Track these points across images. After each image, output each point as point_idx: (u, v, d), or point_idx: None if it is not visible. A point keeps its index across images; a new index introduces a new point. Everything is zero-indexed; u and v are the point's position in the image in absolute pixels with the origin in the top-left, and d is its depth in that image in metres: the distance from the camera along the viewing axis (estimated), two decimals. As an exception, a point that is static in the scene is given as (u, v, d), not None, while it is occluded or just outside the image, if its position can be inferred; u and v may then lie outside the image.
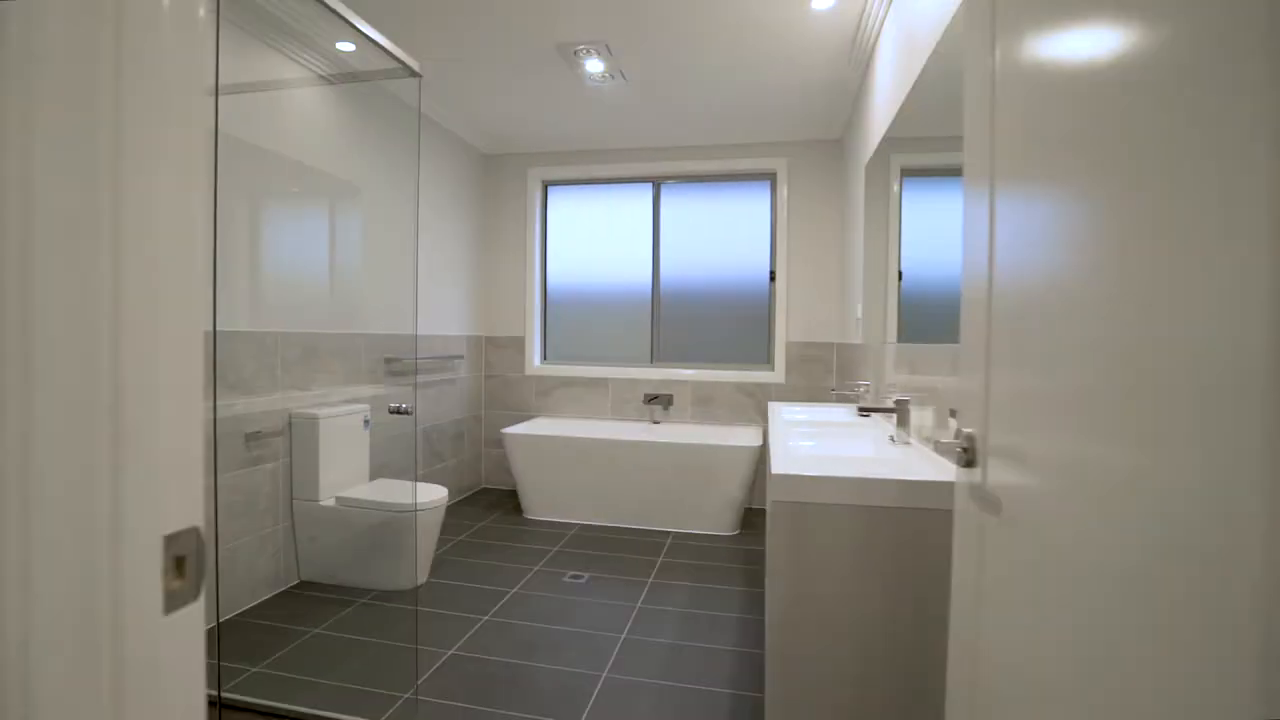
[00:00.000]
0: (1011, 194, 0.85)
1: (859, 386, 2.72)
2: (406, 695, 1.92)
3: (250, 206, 2.55)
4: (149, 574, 0.39)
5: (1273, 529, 0.40)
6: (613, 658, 2.17)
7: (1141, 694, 0.54)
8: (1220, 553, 0.45)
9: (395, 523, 2.64)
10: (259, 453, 2.55)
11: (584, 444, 3.73)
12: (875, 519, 1.32)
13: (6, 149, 0.38)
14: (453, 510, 3.93)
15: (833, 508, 1.34)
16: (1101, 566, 0.61)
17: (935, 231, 2.13)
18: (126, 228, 0.39)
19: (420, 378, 3.72)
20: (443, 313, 3.99)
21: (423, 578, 2.80)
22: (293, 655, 2.16)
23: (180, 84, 0.42)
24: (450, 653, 2.19)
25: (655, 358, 4.37)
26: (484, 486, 4.52)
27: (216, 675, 1.96)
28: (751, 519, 3.85)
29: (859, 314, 3.04)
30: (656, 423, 4.25)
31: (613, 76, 3.22)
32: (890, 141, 2.51)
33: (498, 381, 4.52)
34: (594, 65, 3.09)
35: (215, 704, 1.86)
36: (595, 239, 4.47)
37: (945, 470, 1.39)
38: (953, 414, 1.36)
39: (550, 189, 4.54)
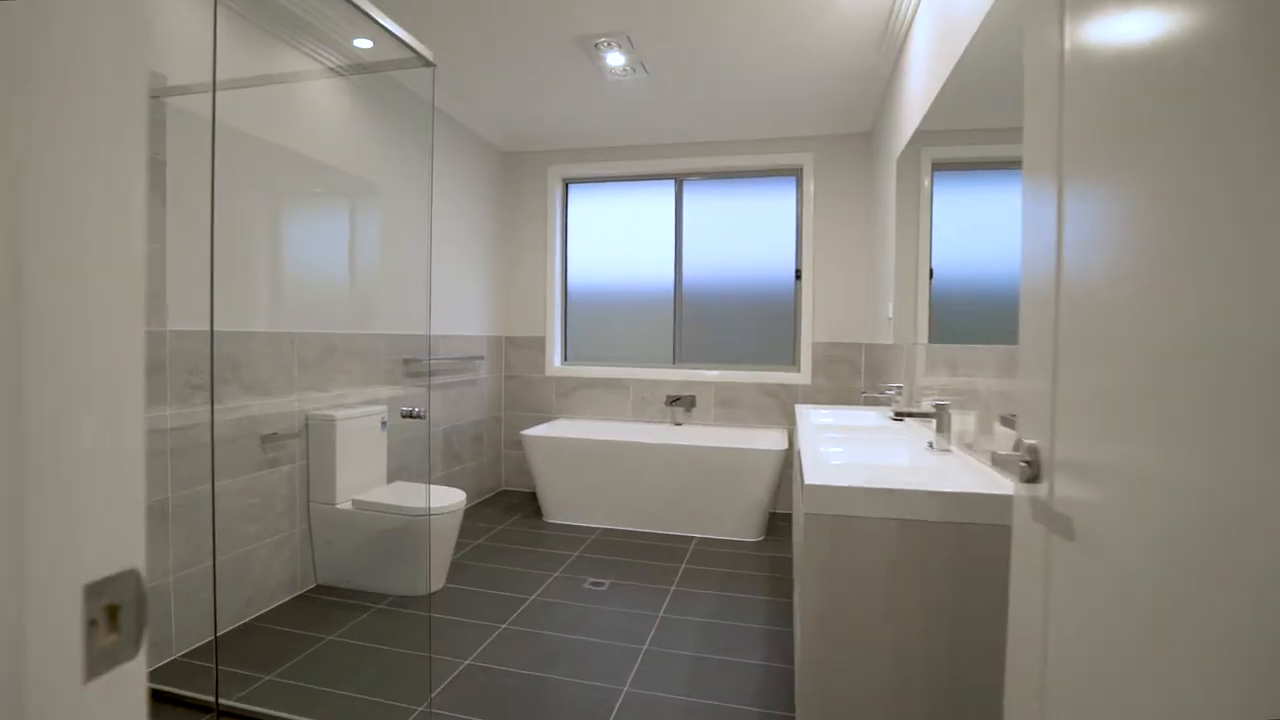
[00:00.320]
0: (1084, 187, 0.76)
1: (889, 389, 2.61)
2: (420, 708, 1.86)
3: (267, 205, 2.51)
4: (64, 634, 0.32)
5: None
6: (634, 671, 2.09)
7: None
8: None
9: (412, 527, 2.58)
10: (275, 455, 2.51)
11: (605, 446, 3.65)
12: (917, 534, 1.22)
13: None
14: (472, 513, 3.87)
15: (871, 521, 1.24)
16: (1206, 611, 0.51)
17: (968, 228, 2.02)
18: (37, 217, 0.31)
19: (440, 379, 3.68)
20: (463, 313, 3.94)
21: (440, 583, 2.74)
22: (306, 663, 2.11)
23: (111, 61, 0.35)
24: (466, 663, 2.12)
25: (677, 358, 4.28)
26: (504, 488, 4.47)
27: (215, 682, 1.92)
28: (776, 524, 3.74)
29: (890, 313, 2.92)
30: (679, 425, 4.16)
31: (634, 70, 3.13)
32: (922, 135, 2.40)
33: (518, 382, 4.46)
34: (615, 59, 3.01)
35: (214, 710, 1.81)
36: (616, 237, 4.39)
37: (993, 481, 1.29)
38: (1004, 421, 1.25)
39: (571, 187, 4.48)
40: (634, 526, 3.65)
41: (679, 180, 4.26)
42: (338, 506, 2.64)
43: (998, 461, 0.88)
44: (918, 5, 2.39)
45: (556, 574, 2.94)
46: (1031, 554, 0.86)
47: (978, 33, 1.69)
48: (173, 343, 2.09)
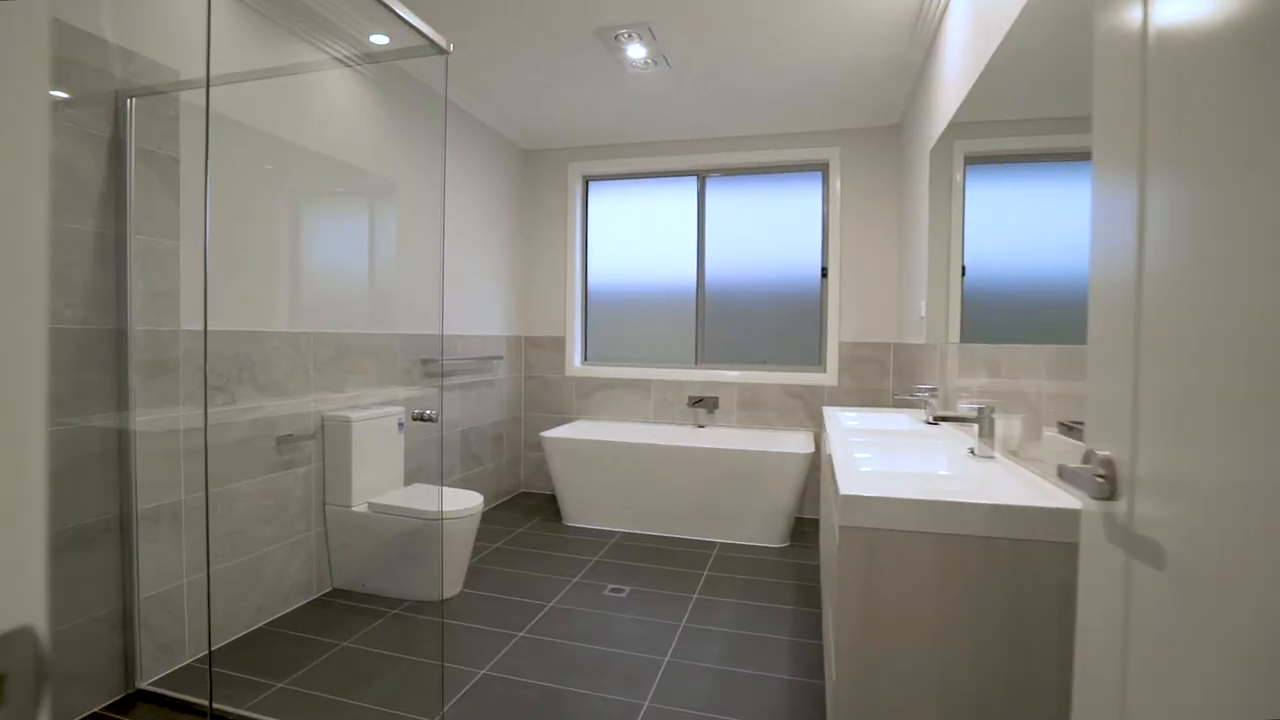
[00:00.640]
0: (1172, 178, 0.66)
1: (921, 391, 2.49)
2: (434, 721, 1.79)
3: (284, 203, 2.47)
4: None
5: None
6: (655, 684, 2.01)
7: None
8: None
9: (428, 530, 2.53)
10: (290, 456, 2.47)
11: (625, 448, 3.57)
12: (963, 550, 1.12)
13: None
14: (490, 515, 3.82)
15: (913, 536, 1.14)
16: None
17: (1002, 223, 1.91)
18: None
19: (458, 379, 3.63)
20: (482, 312, 3.89)
21: (457, 588, 2.68)
22: (318, 670, 2.06)
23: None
24: (482, 673, 2.05)
25: (700, 358, 4.19)
26: (523, 490, 4.41)
27: (208, 686, 1.87)
28: (802, 530, 3.63)
29: (922, 312, 2.80)
30: (701, 426, 4.07)
31: (655, 63, 3.05)
32: (955, 127, 2.29)
33: (537, 383, 4.40)
34: (636, 51, 2.93)
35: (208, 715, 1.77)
36: (638, 235, 4.31)
37: (1045, 493, 1.18)
38: (1062, 428, 1.15)
39: (591, 184, 4.40)
40: (655, 531, 3.56)
41: (701, 177, 4.16)
42: (353, 509, 2.59)
43: (1065, 475, 0.78)
44: (954, -12, 2.28)
45: (576, 579, 2.87)
46: (1106, 581, 0.76)
47: (1019, 17, 1.58)
48: (186, 342, 2.06)
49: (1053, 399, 1.31)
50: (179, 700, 1.87)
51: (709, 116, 3.75)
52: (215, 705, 1.84)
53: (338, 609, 2.51)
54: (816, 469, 3.80)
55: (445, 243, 3.48)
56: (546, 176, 4.38)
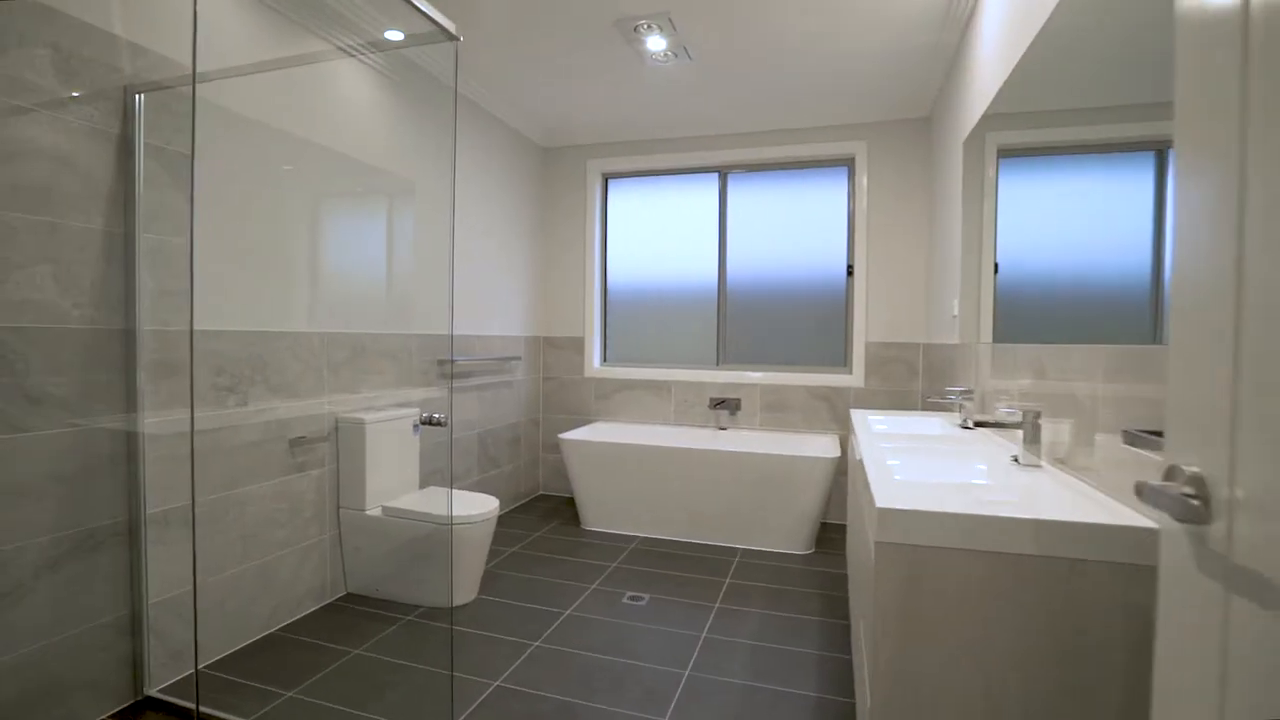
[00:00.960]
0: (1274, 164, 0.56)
1: (954, 393, 2.37)
2: (445, 736, 1.73)
3: (298, 201, 2.43)
4: None
5: None
6: (675, 700, 1.92)
7: None
8: None
9: (441, 535, 2.47)
10: (304, 459, 2.42)
11: (645, 451, 3.49)
12: (1015, 570, 1.02)
13: None
14: (508, 519, 3.76)
15: (957, 554, 1.04)
16: None
17: (1037, 218, 1.81)
18: None
19: (476, 380, 3.57)
20: (500, 312, 3.83)
21: (472, 594, 2.62)
22: (329, 679, 2.01)
23: None
24: (495, 684, 1.98)
25: (722, 359, 4.09)
26: (541, 493, 4.35)
27: (194, 689, 1.82)
28: (828, 535, 3.52)
29: (955, 311, 2.68)
30: (723, 429, 3.97)
31: (676, 55, 2.96)
32: (990, 118, 2.17)
33: (555, 384, 4.34)
34: (656, 42, 2.84)
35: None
36: (658, 233, 4.23)
37: (1105, 506, 1.08)
38: (1129, 438, 1.04)
39: (610, 182, 4.33)
40: (675, 536, 3.47)
41: (723, 173, 4.06)
42: (367, 513, 2.54)
43: (1146, 494, 0.68)
44: (991, -32, 2.16)
45: (594, 586, 2.79)
46: (1196, 617, 0.66)
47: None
48: (198, 342, 2.02)
49: (1110, 403, 1.20)
50: (188, 710, 1.83)
51: (730, 111, 3.65)
52: (224, 715, 1.79)
53: (351, 615, 2.46)
54: (843, 473, 3.69)
55: (464, 242, 3.43)
56: (565, 174, 4.32)
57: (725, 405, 3.95)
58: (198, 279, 2.02)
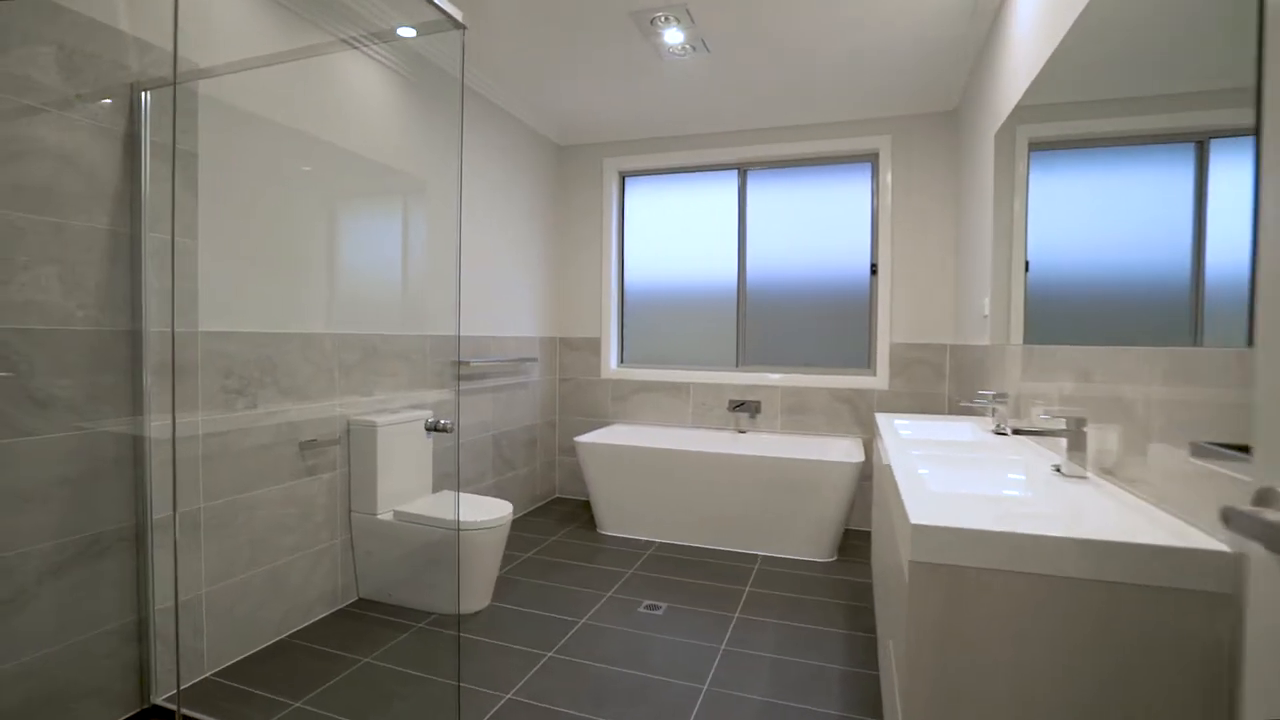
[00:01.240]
0: None
1: (984, 397, 2.26)
2: (454, 752, 1.67)
3: (308, 201, 2.39)
4: None
5: None
6: (693, 717, 1.84)
7: None
8: None
9: (454, 540, 2.41)
10: (314, 462, 2.38)
11: (663, 455, 3.41)
12: (1071, 595, 0.93)
13: None
14: (522, 523, 3.71)
15: (1000, 575, 0.96)
16: None
17: (1071, 214, 1.71)
18: None
19: (491, 381, 3.52)
20: (515, 313, 3.78)
21: (485, 601, 2.56)
22: (338, 689, 1.96)
23: None
24: (508, 697, 1.92)
25: (741, 360, 4.00)
26: (557, 496, 4.29)
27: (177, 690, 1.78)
28: (851, 542, 3.42)
29: (986, 311, 2.57)
30: (742, 432, 3.88)
31: (694, 48, 2.89)
32: (1022, 110, 2.07)
33: (572, 385, 4.28)
34: (673, 35, 2.77)
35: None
36: (676, 232, 4.15)
37: (1163, 524, 0.98)
38: (1201, 452, 0.94)
39: (627, 180, 4.26)
40: (693, 542, 3.39)
41: (743, 170, 3.98)
42: (378, 517, 2.50)
43: (1235, 522, 0.59)
44: (1026, -50, 2.06)
45: (609, 594, 2.72)
46: (1295, 663, 0.57)
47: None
48: (205, 344, 1.98)
49: (1167, 408, 1.10)
50: (193, 718, 1.79)
51: (750, 106, 3.56)
52: (230, 724, 1.75)
53: (363, 621, 2.42)
54: (867, 478, 3.58)
55: (479, 242, 3.39)
56: (582, 172, 4.26)
57: (745, 408, 3.86)
58: (205, 279, 1.98)
